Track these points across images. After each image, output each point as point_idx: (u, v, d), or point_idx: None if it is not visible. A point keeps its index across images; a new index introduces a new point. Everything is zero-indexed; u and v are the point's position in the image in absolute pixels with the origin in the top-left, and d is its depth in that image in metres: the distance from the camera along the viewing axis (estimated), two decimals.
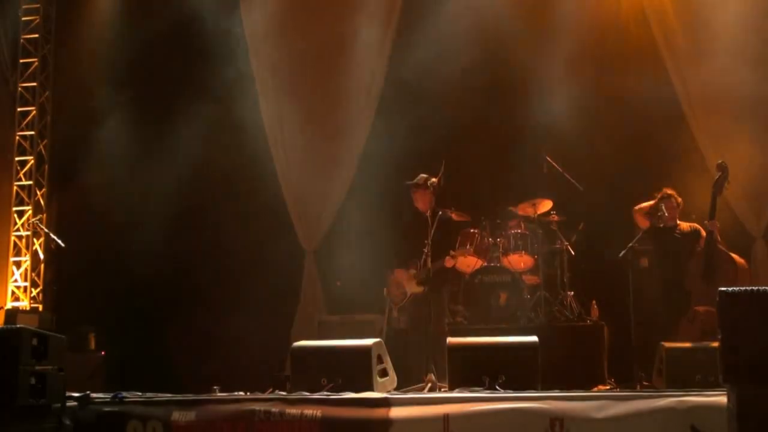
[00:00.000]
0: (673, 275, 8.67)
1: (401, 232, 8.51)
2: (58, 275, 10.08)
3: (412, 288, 8.26)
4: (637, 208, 8.89)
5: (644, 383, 7.89)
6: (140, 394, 7.04)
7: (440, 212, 8.42)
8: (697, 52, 10.06)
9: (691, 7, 10.12)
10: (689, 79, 10.10)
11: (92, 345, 10.23)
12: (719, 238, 8.32)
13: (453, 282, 9.97)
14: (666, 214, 8.61)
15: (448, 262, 8.27)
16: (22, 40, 12.00)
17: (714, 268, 8.19)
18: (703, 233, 8.52)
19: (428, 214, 8.31)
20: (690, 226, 8.77)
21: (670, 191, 8.74)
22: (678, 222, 8.75)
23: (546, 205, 9.89)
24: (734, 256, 8.28)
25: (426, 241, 8.18)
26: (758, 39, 9.82)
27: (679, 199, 8.70)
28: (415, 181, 8.44)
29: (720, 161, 8.45)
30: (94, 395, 6.66)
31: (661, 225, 8.62)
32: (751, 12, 9.88)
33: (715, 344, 5.22)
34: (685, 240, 8.67)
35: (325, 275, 10.89)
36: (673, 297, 8.60)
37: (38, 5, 12.02)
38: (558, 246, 9.84)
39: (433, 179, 8.18)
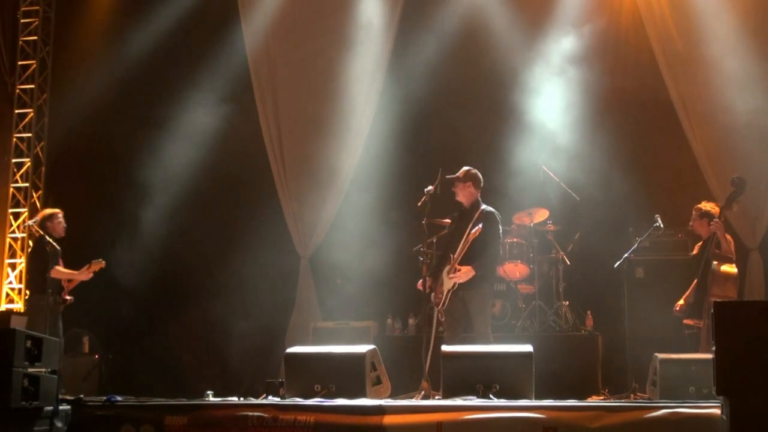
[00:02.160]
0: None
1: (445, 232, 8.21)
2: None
3: (448, 284, 7.92)
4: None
5: (638, 394, 7.89)
6: (133, 398, 7.03)
7: (483, 206, 8.13)
8: (694, 63, 10.09)
9: (689, 18, 10.13)
10: (686, 91, 10.11)
11: (86, 348, 10.21)
12: (718, 251, 8.25)
13: None
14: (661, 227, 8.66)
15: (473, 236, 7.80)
16: (20, 42, 12.00)
17: (704, 282, 8.19)
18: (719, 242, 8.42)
19: (468, 207, 8.16)
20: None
21: (700, 204, 8.52)
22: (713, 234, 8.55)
23: (542, 215, 9.91)
24: (719, 265, 8.20)
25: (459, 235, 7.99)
26: (756, 49, 9.85)
27: (705, 209, 8.35)
28: (456, 174, 8.16)
29: (735, 176, 8.26)
30: (87, 398, 6.65)
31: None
32: (748, 21, 9.92)
33: (709, 356, 5.22)
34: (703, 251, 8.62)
35: (320, 281, 10.88)
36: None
37: (37, 7, 12.02)
38: (554, 255, 9.86)
39: (430, 187, 8.11)
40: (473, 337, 8.02)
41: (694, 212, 8.47)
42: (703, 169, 10.00)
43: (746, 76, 9.79)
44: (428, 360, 7.98)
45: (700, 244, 8.42)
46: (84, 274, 8.87)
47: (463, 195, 8.16)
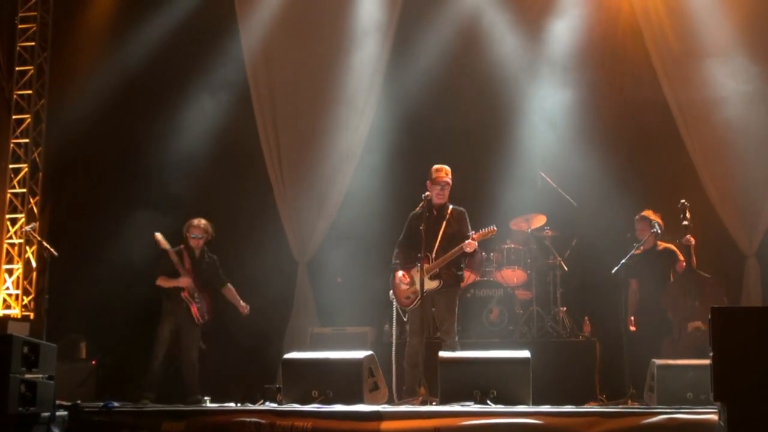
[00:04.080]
0: (648, 297, 8.80)
1: (411, 229, 8.05)
2: (50, 284, 10.05)
3: (429, 285, 7.79)
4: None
5: (636, 400, 7.89)
6: (131, 404, 7.03)
7: (452, 206, 8.11)
8: (691, 67, 10.11)
9: (686, 22, 10.16)
10: (683, 95, 10.14)
11: (83, 354, 10.18)
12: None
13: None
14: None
15: (469, 246, 7.78)
16: (18, 48, 11.99)
17: (697, 286, 8.38)
18: (681, 256, 8.69)
19: (439, 207, 8.05)
20: (664, 247, 8.84)
21: (644, 213, 8.95)
22: (657, 243, 8.82)
23: (540, 221, 9.91)
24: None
25: (437, 235, 7.92)
26: (752, 53, 9.87)
27: (654, 218, 8.81)
28: (444, 179, 8.03)
29: (682, 200, 8.64)
30: (84, 404, 6.64)
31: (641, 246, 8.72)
32: (745, 26, 9.95)
33: (707, 362, 5.23)
34: (659, 261, 8.75)
35: (317, 287, 10.86)
36: (651, 318, 8.73)
37: (35, 13, 12.01)
38: (551, 261, 9.86)
39: (428, 193, 8.06)
40: (440, 337, 7.98)
41: (643, 221, 8.90)
42: (700, 174, 10.01)
43: (743, 80, 9.82)
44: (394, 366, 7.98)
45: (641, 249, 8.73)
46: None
47: (445, 195, 8.08)
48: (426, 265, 7.86)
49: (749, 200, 9.87)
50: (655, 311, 8.70)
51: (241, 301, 9.28)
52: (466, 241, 7.82)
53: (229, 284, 9.34)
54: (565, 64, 10.35)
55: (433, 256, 7.88)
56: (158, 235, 9.09)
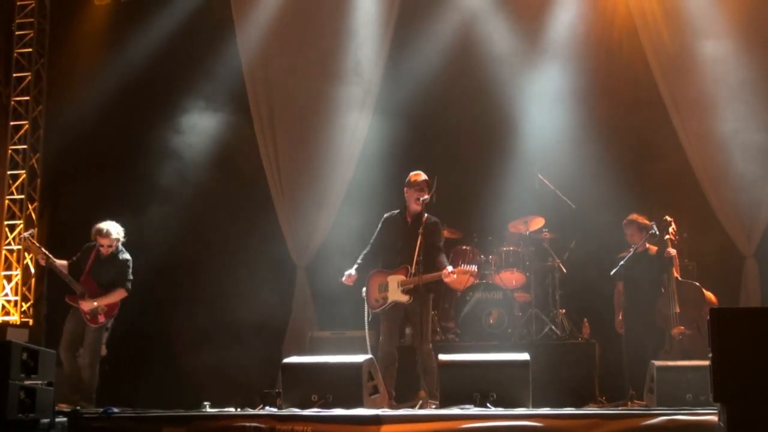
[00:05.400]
0: (640, 300, 8.74)
1: (384, 233, 8.14)
2: (48, 290, 10.05)
3: (396, 296, 7.82)
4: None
5: (635, 401, 7.89)
6: (131, 409, 7.02)
7: (427, 215, 7.96)
8: (687, 68, 10.12)
9: (681, 24, 10.17)
10: (680, 98, 10.14)
11: None
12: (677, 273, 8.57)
13: (444, 298, 9.94)
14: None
15: (447, 277, 7.69)
16: (15, 54, 12.00)
17: (680, 293, 8.44)
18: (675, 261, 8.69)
19: (415, 215, 7.99)
20: (657, 252, 8.85)
21: (632, 216, 8.92)
22: (648, 246, 8.82)
23: (538, 223, 9.92)
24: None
25: (415, 247, 7.74)
26: (748, 53, 9.88)
27: (644, 222, 8.79)
28: (429, 191, 8.02)
29: (665, 217, 8.71)
30: (83, 410, 6.63)
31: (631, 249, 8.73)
32: (741, 26, 9.96)
33: (706, 363, 5.23)
34: (652, 266, 8.76)
35: (316, 291, 10.85)
36: (645, 324, 8.70)
37: (32, 20, 12.03)
38: (550, 263, 9.86)
39: (426, 195, 8.03)
40: (413, 345, 7.94)
41: (632, 225, 8.85)
42: (698, 174, 10.02)
43: (738, 79, 9.83)
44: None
45: (631, 252, 8.69)
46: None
47: (421, 203, 7.97)
48: (403, 278, 7.83)
49: (747, 200, 9.86)
50: (647, 317, 8.67)
51: (99, 304, 8.71)
52: (446, 271, 7.68)
53: (121, 289, 8.86)
54: (562, 65, 10.36)
55: (413, 270, 7.75)
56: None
